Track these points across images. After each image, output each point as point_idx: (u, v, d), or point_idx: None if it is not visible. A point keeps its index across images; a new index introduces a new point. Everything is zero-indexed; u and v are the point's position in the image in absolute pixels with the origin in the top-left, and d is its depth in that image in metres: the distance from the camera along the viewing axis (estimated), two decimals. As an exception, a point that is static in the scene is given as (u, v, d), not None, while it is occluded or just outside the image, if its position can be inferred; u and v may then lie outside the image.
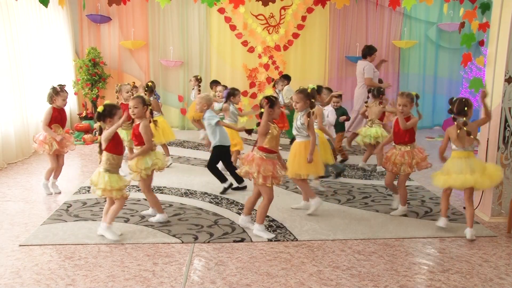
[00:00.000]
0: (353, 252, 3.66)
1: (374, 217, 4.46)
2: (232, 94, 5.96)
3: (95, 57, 9.03)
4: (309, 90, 4.37)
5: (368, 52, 7.96)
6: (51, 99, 4.87)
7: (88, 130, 8.46)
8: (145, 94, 6.27)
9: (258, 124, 3.92)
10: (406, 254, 3.63)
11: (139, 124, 4.03)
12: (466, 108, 3.86)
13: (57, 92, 4.87)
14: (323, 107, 5.69)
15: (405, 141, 4.35)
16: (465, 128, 3.83)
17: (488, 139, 4.43)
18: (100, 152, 3.69)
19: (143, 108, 4.01)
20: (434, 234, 4.04)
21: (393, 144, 4.48)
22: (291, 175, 4.36)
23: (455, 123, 3.88)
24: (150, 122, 4.12)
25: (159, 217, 4.20)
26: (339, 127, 6.60)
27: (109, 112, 3.69)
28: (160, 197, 4.94)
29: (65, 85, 5.06)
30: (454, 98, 3.97)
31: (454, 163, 3.93)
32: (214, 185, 5.32)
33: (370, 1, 9.87)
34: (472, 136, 3.86)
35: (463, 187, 3.92)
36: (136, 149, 4.07)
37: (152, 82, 6.39)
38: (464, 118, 3.86)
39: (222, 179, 5.19)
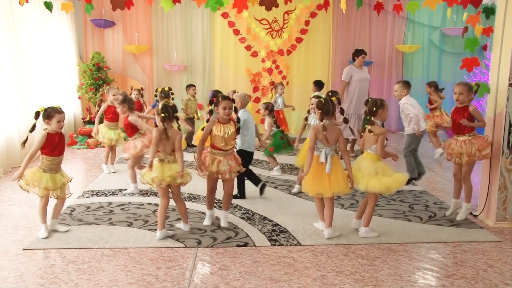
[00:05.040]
0: (357, 257, 3.64)
1: (377, 221, 4.44)
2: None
3: (99, 62, 9.07)
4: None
5: (355, 54, 7.50)
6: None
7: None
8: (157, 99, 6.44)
9: (207, 121, 4.14)
10: (410, 259, 3.61)
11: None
12: (375, 109, 3.96)
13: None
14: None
15: (463, 131, 4.35)
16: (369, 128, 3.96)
17: (492, 144, 4.41)
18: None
19: (158, 116, 4.00)
20: (438, 239, 4.02)
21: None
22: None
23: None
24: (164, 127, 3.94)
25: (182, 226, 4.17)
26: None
27: (48, 115, 3.82)
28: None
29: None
30: (370, 98, 4.09)
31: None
32: (217, 190, 5.31)
33: (373, 5, 9.88)
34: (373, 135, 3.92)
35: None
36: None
37: (169, 88, 6.60)
38: (373, 118, 3.97)
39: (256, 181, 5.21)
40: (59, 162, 3.94)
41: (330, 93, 6.93)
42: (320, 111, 3.95)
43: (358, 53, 7.44)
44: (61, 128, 3.90)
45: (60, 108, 3.92)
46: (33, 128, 3.84)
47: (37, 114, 3.83)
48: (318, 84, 7.83)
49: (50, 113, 3.83)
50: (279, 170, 6.35)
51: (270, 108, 6.43)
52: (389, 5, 9.42)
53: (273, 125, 6.32)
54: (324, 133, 3.85)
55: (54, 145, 3.85)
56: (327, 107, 3.91)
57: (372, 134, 3.91)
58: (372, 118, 3.97)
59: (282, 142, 6.13)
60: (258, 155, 7.50)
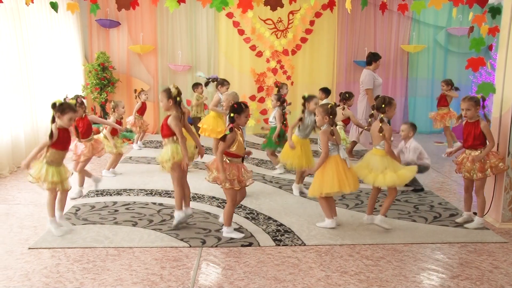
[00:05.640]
0: (361, 257, 3.64)
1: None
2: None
3: (104, 62, 9.10)
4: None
5: (373, 58, 7.36)
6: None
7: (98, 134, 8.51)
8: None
9: (231, 130, 3.86)
10: (415, 260, 3.60)
11: (168, 116, 4.06)
12: (383, 105, 4.02)
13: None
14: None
15: (475, 146, 4.19)
16: (381, 125, 4.02)
17: (498, 144, 4.39)
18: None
19: (167, 101, 4.01)
20: (443, 239, 4.00)
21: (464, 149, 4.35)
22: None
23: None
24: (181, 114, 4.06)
25: (176, 214, 4.15)
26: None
27: (62, 110, 3.83)
28: (168, 201, 4.97)
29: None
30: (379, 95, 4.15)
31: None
32: (221, 189, 5.31)
33: (378, 5, 9.86)
34: (381, 134, 4.00)
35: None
36: (164, 141, 4.09)
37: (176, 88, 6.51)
38: (383, 115, 4.02)
39: None
40: (64, 156, 3.99)
41: (347, 95, 6.92)
42: (331, 117, 4.05)
43: (377, 57, 7.36)
44: (71, 125, 3.96)
45: (76, 105, 3.98)
46: (53, 119, 3.87)
47: (54, 105, 3.84)
48: (326, 91, 7.77)
49: (65, 109, 3.85)
50: (282, 168, 6.35)
51: (282, 100, 6.39)
52: (394, 5, 9.40)
53: (281, 118, 6.25)
54: (334, 136, 4.04)
55: (65, 140, 3.93)
56: (336, 110, 4.13)
57: (365, 128, 4.05)
58: (382, 116, 4.04)
59: (278, 139, 6.16)
60: (262, 155, 7.50)
